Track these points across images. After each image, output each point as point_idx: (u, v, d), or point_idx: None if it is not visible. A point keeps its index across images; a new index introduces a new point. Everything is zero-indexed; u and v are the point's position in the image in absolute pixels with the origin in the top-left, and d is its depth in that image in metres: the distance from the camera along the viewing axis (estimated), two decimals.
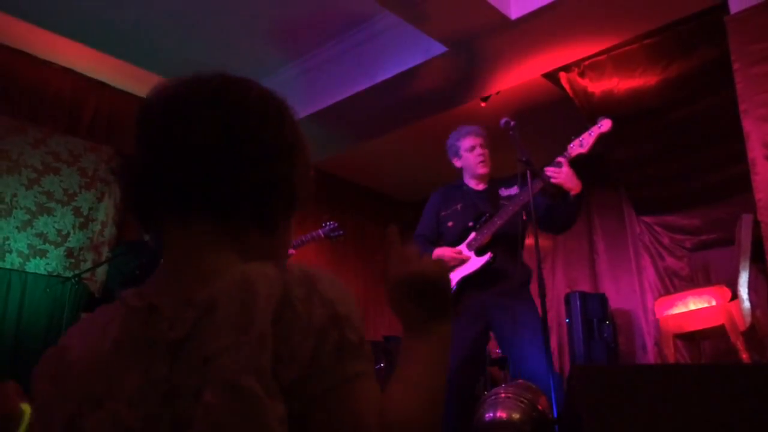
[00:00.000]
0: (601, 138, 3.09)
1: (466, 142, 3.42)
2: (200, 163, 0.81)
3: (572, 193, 3.06)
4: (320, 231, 4.37)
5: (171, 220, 0.84)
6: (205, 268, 0.80)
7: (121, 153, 5.55)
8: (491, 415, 2.36)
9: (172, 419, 0.69)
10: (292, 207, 0.90)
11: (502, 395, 2.44)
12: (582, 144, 3.10)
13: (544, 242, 7.08)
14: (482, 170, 3.39)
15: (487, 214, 3.22)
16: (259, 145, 0.85)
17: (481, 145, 3.40)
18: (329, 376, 0.70)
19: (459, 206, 3.39)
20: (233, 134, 0.83)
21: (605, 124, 3.08)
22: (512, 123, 3.06)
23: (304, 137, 0.94)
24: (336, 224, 4.41)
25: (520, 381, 2.65)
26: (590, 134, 3.09)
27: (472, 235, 3.22)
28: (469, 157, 3.41)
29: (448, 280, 0.90)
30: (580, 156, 3.10)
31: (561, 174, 3.05)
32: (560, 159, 3.08)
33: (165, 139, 0.83)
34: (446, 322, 0.88)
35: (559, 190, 3.09)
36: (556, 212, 3.17)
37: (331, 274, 0.77)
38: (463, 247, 3.22)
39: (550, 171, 3.06)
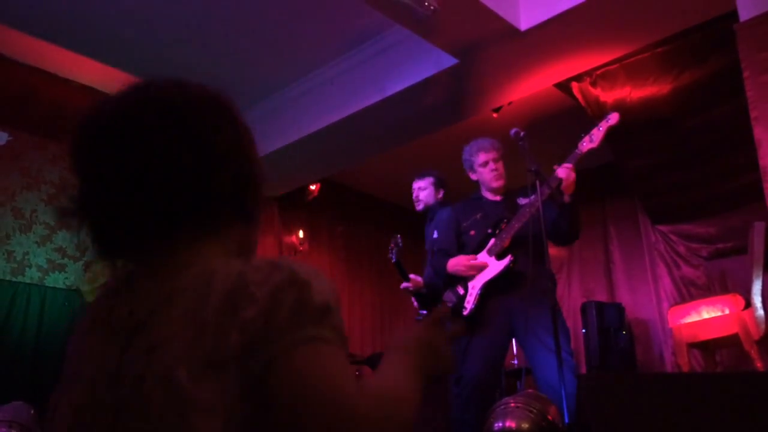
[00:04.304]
0: (610, 131, 3.13)
1: (479, 158, 3.46)
2: (173, 176, 0.78)
3: (567, 193, 3.10)
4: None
5: (149, 238, 0.80)
6: (178, 262, 0.79)
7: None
8: (500, 424, 2.37)
9: (115, 404, 0.69)
10: (262, 196, 0.90)
11: (512, 404, 2.44)
12: (592, 139, 3.14)
13: (560, 252, 7.06)
14: (496, 184, 3.44)
15: (506, 220, 3.26)
16: (224, 141, 0.84)
17: (494, 160, 3.43)
18: (287, 336, 0.67)
19: (479, 215, 3.43)
20: (194, 140, 0.81)
21: (613, 118, 3.13)
22: (522, 133, 3.09)
23: (248, 126, 0.91)
24: None
25: (530, 390, 2.66)
26: (599, 129, 3.14)
27: (492, 240, 3.25)
28: (483, 172, 3.46)
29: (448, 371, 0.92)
30: (591, 151, 3.15)
31: (572, 175, 3.09)
32: (567, 164, 3.13)
33: (129, 161, 0.78)
34: (430, 380, 0.88)
35: (558, 191, 3.13)
36: (560, 224, 3.20)
37: (307, 265, 0.75)
38: (483, 254, 3.26)
39: (566, 169, 3.11)
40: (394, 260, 4.22)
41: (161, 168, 0.78)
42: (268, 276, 0.70)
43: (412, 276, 4.07)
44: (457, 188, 4.14)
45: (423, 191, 4.12)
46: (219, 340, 0.67)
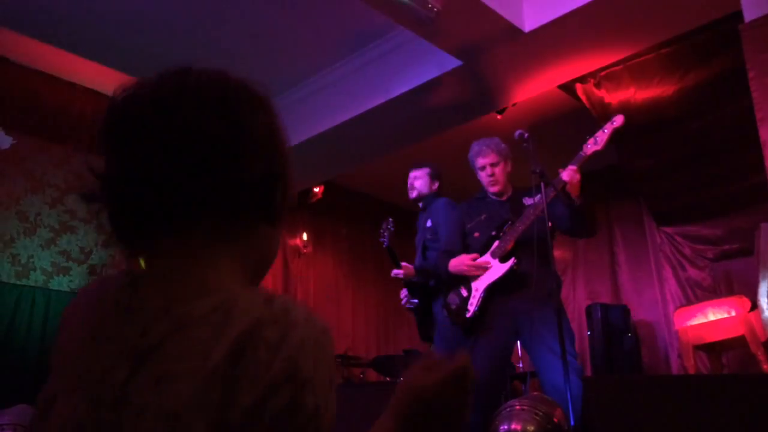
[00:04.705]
0: (615, 133, 3.13)
1: (477, 162, 3.45)
2: (205, 161, 0.75)
3: (573, 194, 3.09)
4: None
5: (168, 233, 0.76)
6: (195, 280, 0.74)
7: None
8: (506, 427, 2.36)
9: (119, 429, 0.65)
10: (288, 198, 0.85)
11: (518, 407, 2.43)
12: (596, 141, 3.13)
13: (565, 254, 7.05)
14: (492, 189, 3.42)
15: (510, 222, 3.24)
16: (261, 127, 0.81)
17: (491, 164, 3.40)
18: None
19: (483, 216, 3.41)
20: (230, 125, 0.77)
21: (618, 120, 3.12)
22: (526, 135, 3.08)
23: (282, 127, 0.88)
24: None
25: (536, 393, 2.65)
26: (604, 131, 3.13)
27: (496, 243, 3.24)
28: (481, 176, 3.45)
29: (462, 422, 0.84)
30: (595, 153, 3.14)
31: (576, 177, 3.08)
32: (572, 166, 3.12)
33: (159, 143, 0.75)
34: None
35: (564, 193, 3.12)
36: (575, 220, 3.19)
37: (320, 321, 0.69)
38: (487, 256, 3.24)
39: (570, 171, 3.09)
40: (386, 245, 4.12)
41: (196, 144, 0.75)
42: (280, 339, 0.65)
43: (403, 264, 4.00)
44: (461, 187, 4.13)
45: (418, 180, 4.11)
46: (227, 399, 0.64)
